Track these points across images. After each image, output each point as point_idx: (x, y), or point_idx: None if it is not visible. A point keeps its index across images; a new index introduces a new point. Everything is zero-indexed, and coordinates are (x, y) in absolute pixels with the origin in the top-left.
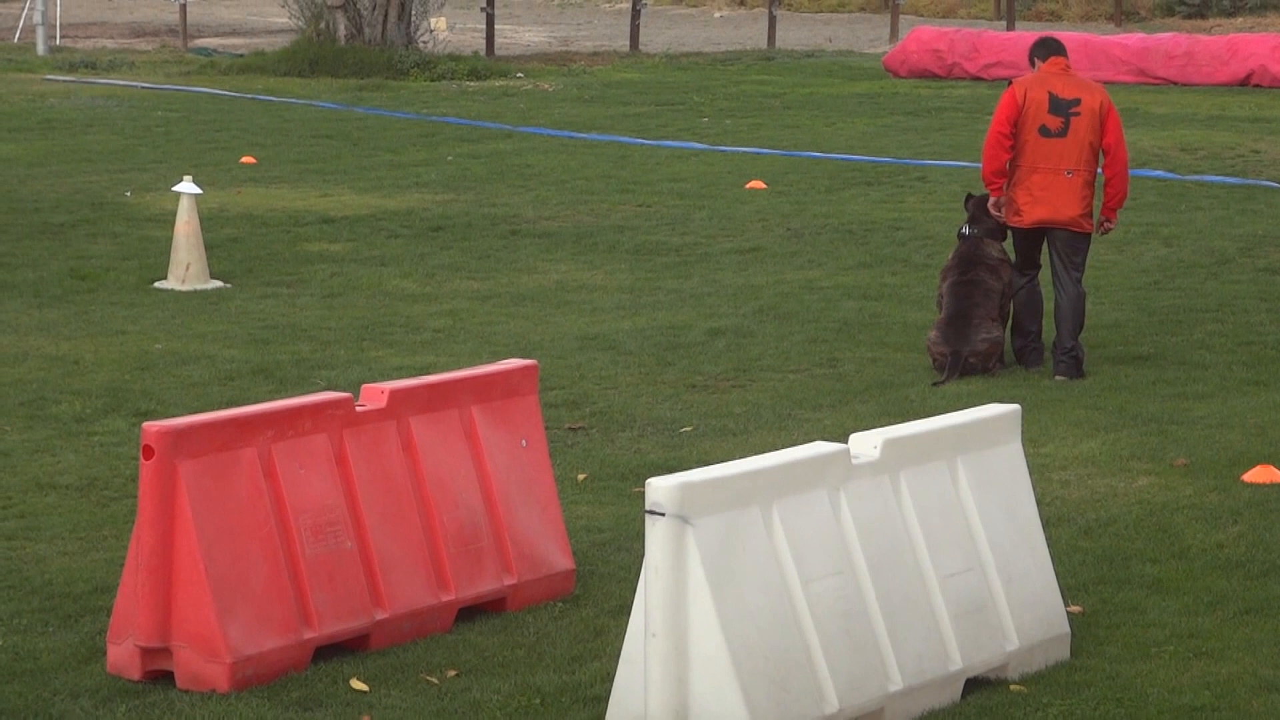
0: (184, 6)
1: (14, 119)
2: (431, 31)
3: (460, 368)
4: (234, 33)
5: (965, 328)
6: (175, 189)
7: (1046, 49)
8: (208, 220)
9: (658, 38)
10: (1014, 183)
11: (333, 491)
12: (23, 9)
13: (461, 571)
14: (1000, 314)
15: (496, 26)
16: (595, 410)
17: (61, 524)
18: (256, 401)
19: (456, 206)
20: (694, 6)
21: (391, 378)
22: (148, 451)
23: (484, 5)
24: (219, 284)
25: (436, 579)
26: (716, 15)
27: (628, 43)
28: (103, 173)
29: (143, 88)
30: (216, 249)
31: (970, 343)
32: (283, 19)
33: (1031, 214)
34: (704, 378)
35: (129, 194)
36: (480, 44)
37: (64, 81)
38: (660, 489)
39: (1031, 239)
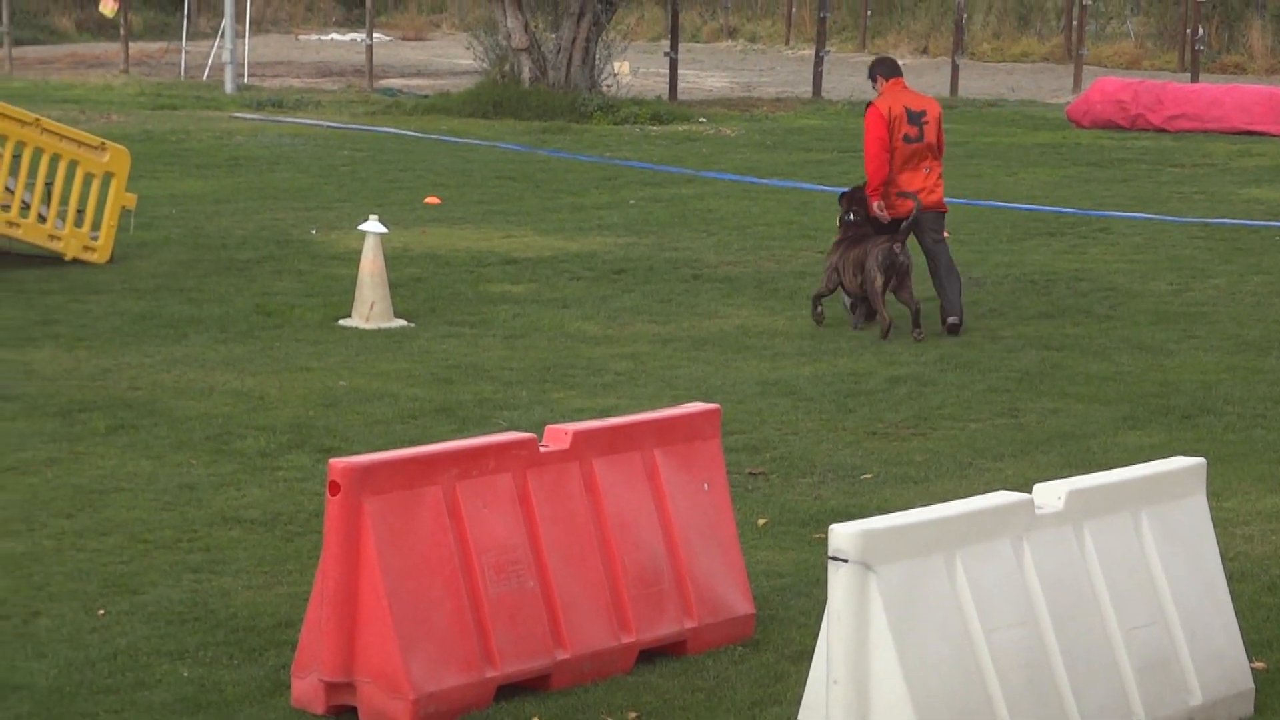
0: (370, 47)
1: (202, 156)
2: (615, 75)
3: (642, 410)
4: (419, 74)
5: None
6: (361, 227)
7: (889, 69)
8: (392, 259)
9: (840, 85)
10: (889, 182)
11: (516, 531)
12: (212, 48)
13: (642, 613)
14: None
15: (679, 71)
16: (776, 455)
17: (246, 558)
18: (439, 440)
19: (638, 250)
20: (876, 54)
21: (573, 419)
22: (334, 487)
23: (667, 50)
24: (403, 323)
25: (617, 620)
26: (900, 63)
27: (810, 89)
28: (288, 210)
29: (329, 127)
30: (400, 288)
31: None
32: (467, 60)
33: (907, 204)
34: (885, 425)
35: (314, 232)
36: (663, 88)
37: (251, 120)
38: (843, 535)
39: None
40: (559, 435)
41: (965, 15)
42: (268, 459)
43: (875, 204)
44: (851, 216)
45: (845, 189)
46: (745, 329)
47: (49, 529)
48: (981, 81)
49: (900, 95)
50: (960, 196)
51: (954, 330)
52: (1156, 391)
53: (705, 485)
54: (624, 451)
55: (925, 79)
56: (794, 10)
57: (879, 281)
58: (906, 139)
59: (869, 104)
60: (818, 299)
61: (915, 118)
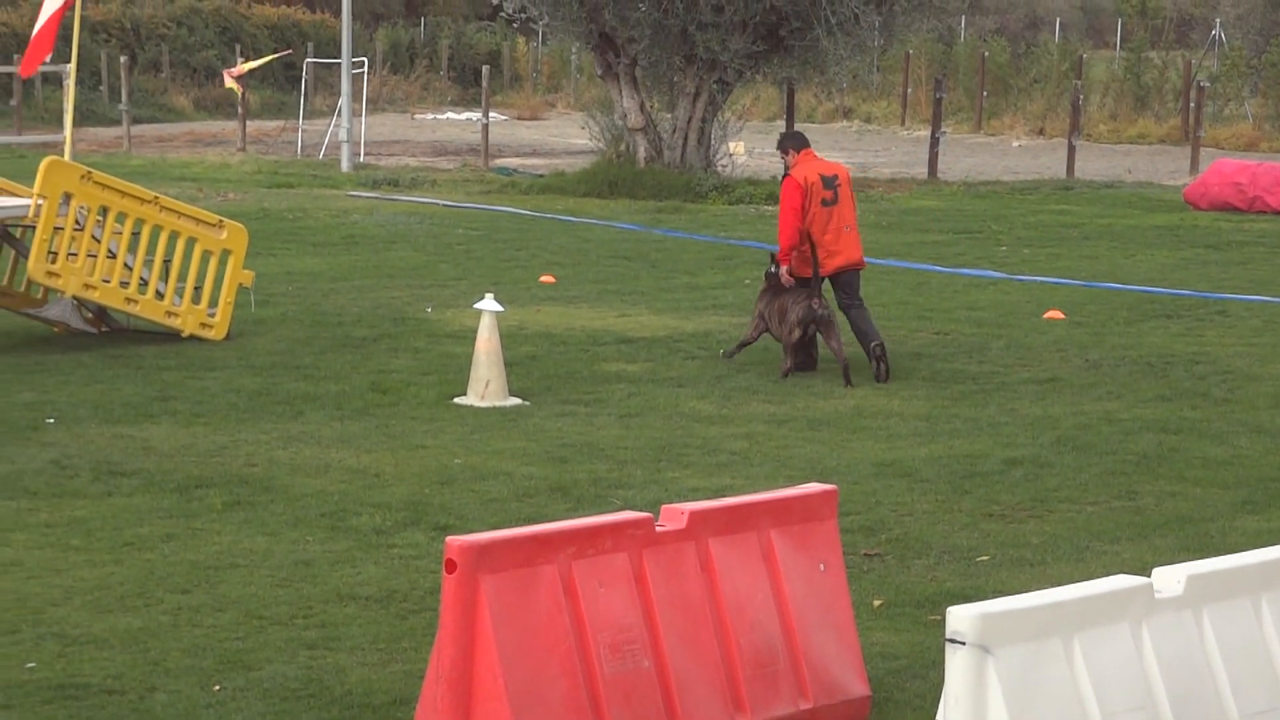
0: (486, 126)
1: (319, 234)
2: (730, 155)
3: (757, 490)
4: (534, 153)
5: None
6: (476, 306)
7: (799, 142)
8: (507, 337)
9: (956, 165)
10: (815, 245)
11: (631, 610)
12: (328, 126)
13: (757, 694)
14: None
15: None
16: (891, 537)
17: (361, 635)
18: (554, 519)
19: None
20: (992, 135)
21: (688, 499)
22: (450, 565)
23: (783, 131)
24: (518, 401)
25: (732, 701)
26: (1015, 144)
27: (926, 170)
28: (404, 288)
29: (444, 205)
30: (516, 366)
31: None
32: (583, 140)
33: (832, 264)
34: (1001, 507)
35: (430, 310)
36: (778, 169)
37: (367, 198)
38: (961, 617)
39: (825, 280)
40: (675, 515)
41: (1082, 96)
42: (383, 536)
43: (784, 268)
44: (773, 269)
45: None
46: (860, 409)
47: (165, 604)
48: (1098, 163)
49: (813, 164)
50: (1077, 278)
51: (881, 353)
52: (1276, 475)
53: (821, 566)
54: (740, 531)
55: (1041, 160)
56: (909, 91)
57: (796, 334)
58: (824, 203)
59: (786, 175)
60: (742, 346)
61: (829, 182)
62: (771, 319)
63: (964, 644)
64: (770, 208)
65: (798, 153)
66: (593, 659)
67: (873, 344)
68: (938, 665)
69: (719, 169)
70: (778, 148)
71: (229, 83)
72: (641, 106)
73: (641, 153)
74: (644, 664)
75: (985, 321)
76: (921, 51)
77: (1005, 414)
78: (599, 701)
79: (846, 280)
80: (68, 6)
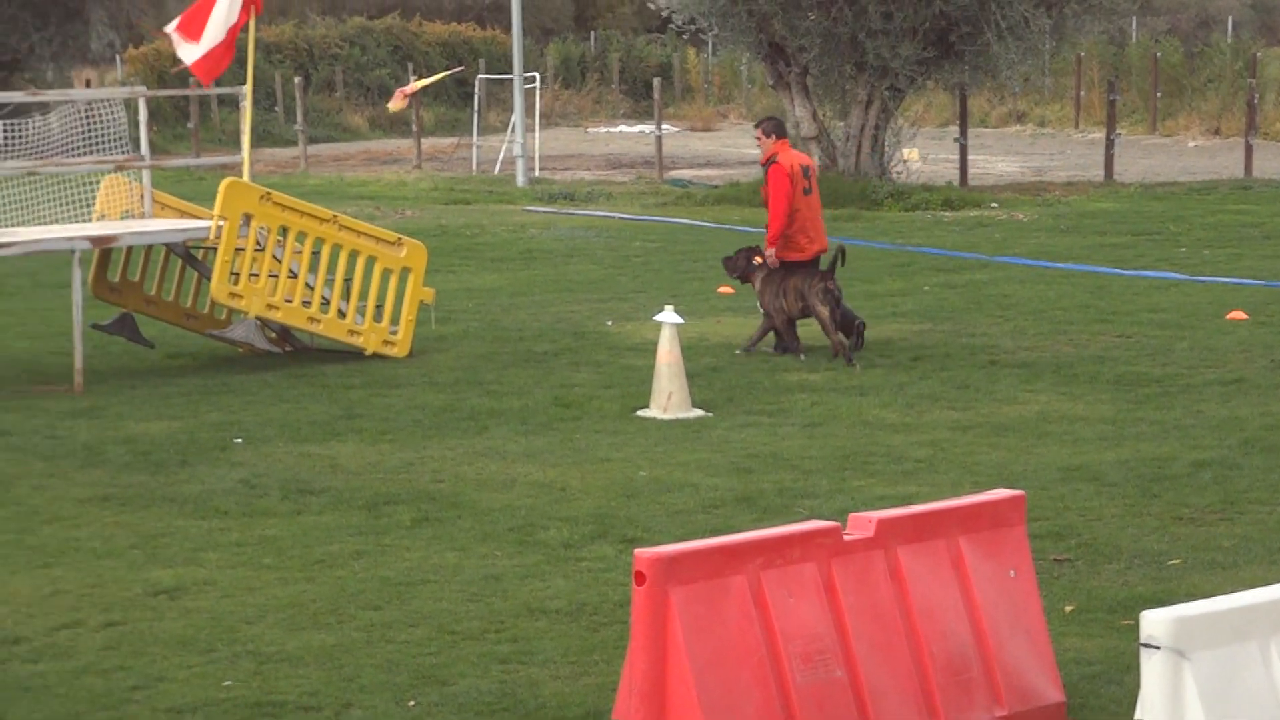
0: (660, 138)
1: (497, 249)
2: (905, 162)
3: (943, 498)
4: (708, 164)
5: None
6: (657, 318)
7: (781, 130)
8: (688, 349)
9: (1132, 167)
10: (795, 230)
11: (822, 620)
12: (503, 142)
13: (951, 702)
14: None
15: (969, 157)
16: (1080, 541)
17: (553, 648)
18: (740, 530)
19: (934, 336)
20: (1167, 136)
21: (874, 507)
22: (639, 578)
23: (957, 136)
24: (701, 412)
25: (926, 709)
26: (1191, 144)
27: (1102, 172)
28: (584, 302)
29: (620, 218)
30: (697, 378)
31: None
32: (756, 150)
33: (812, 249)
34: (1190, 510)
35: (610, 323)
36: (953, 174)
37: (543, 213)
38: (1156, 622)
39: (806, 264)
40: (863, 523)
41: (1258, 95)
42: (571, 550)
43: (770, 250)
44: (757, 261)
45: (737, 253)
46: (1045, 414)
47: (358, 621)
48: (1276, 162)
49: (791, 154)
50: (1259, 278)
51: (863, 330)
52: None
53: (1011, 572)
54: (928, 539)
55: (1218, 160)
56: (1083, 94)
57: (827, 313)
58: (805, 191)
59: (773, 162)
60: (762, 336)
61: (805, 173)
62: (787, 298)
63: (1159, 648)
64: (947, 213)
65: (776, 140)
66: (784, 669)
67: (857, 321)
68: (1132, 670)
69: (893, 176)
70: (760, 128)
71: (394, 104)
72: (814, 115)
73: (816, 161)
74: (836, 673)
75: (1168, 324)
76: (1093, 54)
77: (1191, 416)
78: (792, 711)
79: (816, 263)
80: (243, 23)
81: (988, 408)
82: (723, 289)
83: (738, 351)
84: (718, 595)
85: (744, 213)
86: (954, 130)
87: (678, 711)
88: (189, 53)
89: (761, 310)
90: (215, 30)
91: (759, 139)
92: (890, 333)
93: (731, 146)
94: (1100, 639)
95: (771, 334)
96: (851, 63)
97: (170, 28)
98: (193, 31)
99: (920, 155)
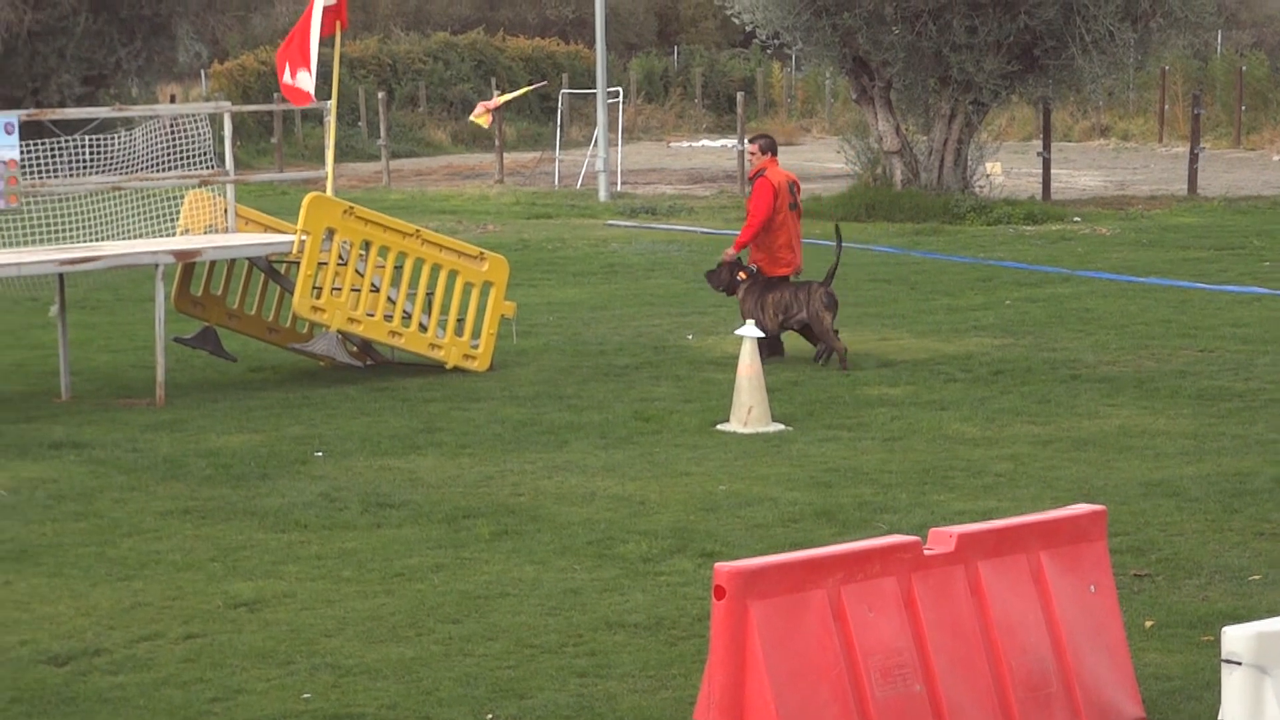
0: (742, 153)
1: (578, 263)
2: (987, 176)
3: (1023, 513)
4: None
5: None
6: (738, 332)
7: (772, 148)
8: (768, 363)
9: (1215, 181)
10: (780, 245)
11: (901, 635)
12: (585, 156)
13: (1030, 717)
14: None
15: (1052, 171)
16: (1161, 557)
17: (631, 662)
18: (819, 544)
19: (1015, 350)
20: (1251, 150)
21: (954, 522)
22: (719, 592)
23: (1039, 150)
24: (781, 426)
25: None
26: (1276, 158)
27: (1185, 186)
28: (664, 316)
29: (702, 233)
30: (777, 392)
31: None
32: (839, 164)
33: (794, 263)
34: (1272, 525)
35: (690, 337)
36: (1036, 188)
37: (625, 227)
38: (1237, 638)
39: (784, 280)
40: (943, 538)
41: None
42: (650, 564)
43: (735, 252)
44: (742, 277)
45: (719, 266)
46: (1126, 429)
47: (437, 634)
48: None
49: (779, 171)
50: None
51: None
52: None
53: (1091, 587)
54: (1009, 554)
55: None
56: (1166, 108)
57: (828, 319)
58: (791, 206)
59: (760, 175)
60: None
61: (791, 189)
62: (766, 312)
63: (1240, 664)
64: (1029, 227)
65: (771, 157)
66: (864, 683)
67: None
68: (1212, 686)
69: (976, 190)
70: (754, 144)
71: (475, 117)
72: (897, 129)
73: (898, 175)
74: (915, 688)
75: (1251, 338)
76: (1177, 68)
77: (1274, 431)
78: None
79: (786, 280)
80: (326, 35)
81: (1068, 422)
82: None
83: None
84: (797, 609)
85: (825, 227)
86: (1037, 144)
87: None
88: (305, 80)
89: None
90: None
91: (752, 155)
92: (971, 347)
93: (814, 161)
94: (1180, 654)
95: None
96: (935, 77)
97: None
98: (301, 59)
99: (1003, 169)
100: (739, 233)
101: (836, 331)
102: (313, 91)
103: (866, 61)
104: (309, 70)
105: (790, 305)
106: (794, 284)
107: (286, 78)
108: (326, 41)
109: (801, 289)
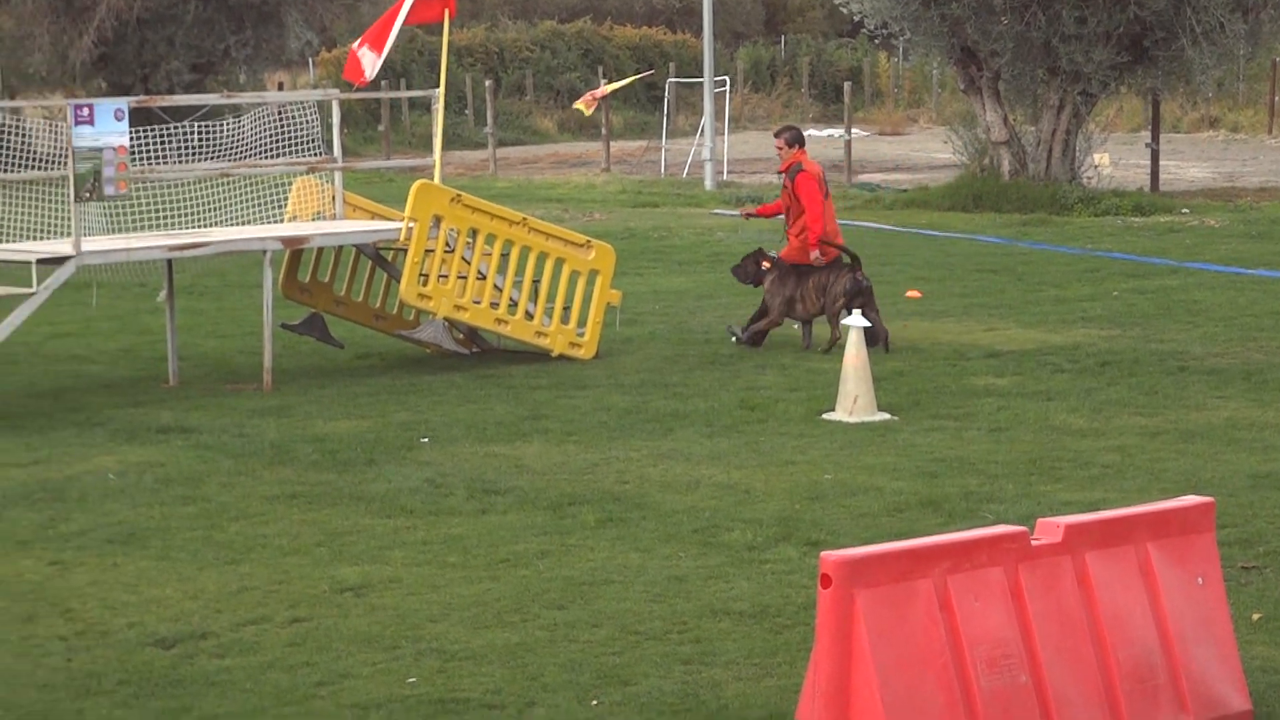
0: (849, 142)
1: (684, 252)
2: (1095, 167)
3: (1130, 504)
4: (897, 168)
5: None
6: (844, 321)
7: (799, 139)
8: (875, 353)
9: None
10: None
11: (1008, 625)
12: (691, 145)
13: (1137, 709)
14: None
15: (1161, 162)
16: (1269, 549)
17: (736, 650)
18: (925, 533)
19: (1123, 342)
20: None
21: (1060, 513)
22: (825, 580)
23: (1148, 141)
24: (886, 416)
25: (1111, 716)
26: None
27: None
28: None
29: None
30: (883, 381)
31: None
32: (946, 155)
33: (830, 253)
34: None
35: (796, 326)
36: (1144, 180)
37: (731, 216)
38: None
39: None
40: (1051, 529)
41: None
42: (755, 552)
43: (814, 252)
44: (765, 266)
45: (744, 260)
46: (1234, 421)
47: (542, 620)
48: None
49: (812, 163)
50: None
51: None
52: None
53: (1199, 579)
54: (1117, 545)
55: None
56: (1277, 99)
57: (840, 303)
58: (827, 194)
59: (799, 169)
60: (765, 332)
61: (824, 179)
62: (807, 299)
63: None
64: (1137, 219)
65: (799, 149)
66: (969, 674)
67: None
68: None
69: (1084, 181)
70: (782, 138)
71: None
72: (1005, 120)
73: (1005, 166)
74: (1021, 679)
75: None
76: None
77: None
78: (976, 716)
79: (838, 262)
80: (431, 21)
81: (1176, 414)
82: (911, 293)
83: (731, 339)
84: (904, 599)
85: (932, 217)
86: (1145, 135)
87: (861, 714)
88: (370, 61)
89: (767, 309)
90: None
91: (779, 149)
92: (1078, 338)
93: (921, 151)
94: None
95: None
96: (1044, 67)
97: (357, 45)
98: (377, 41)
99: (1111, 160)
100: (809, 233)
101: (879, 317)
102: (370, 75)
103: (975, 51)
104: (378, 54)
105: (828, 286)
106: (829, 267)
107: (357, 47)
108: (434, 29)
109: (834, 270)
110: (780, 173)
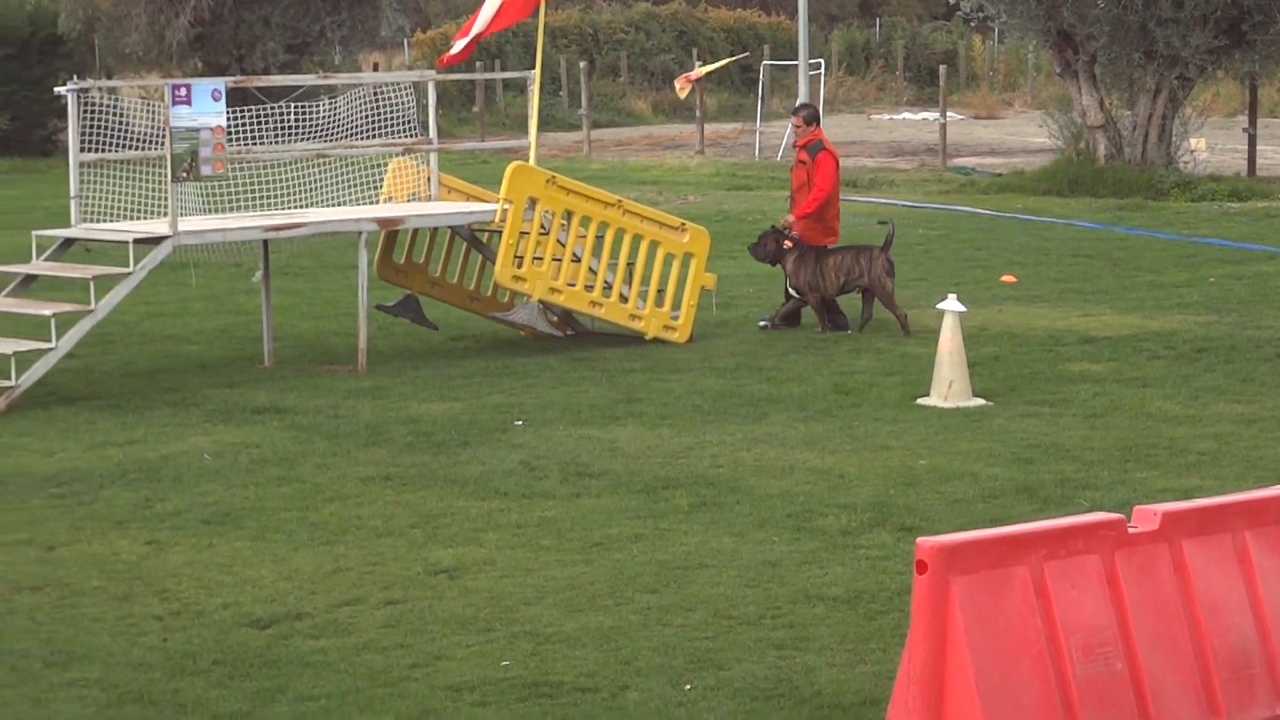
0: (944, 126)
1: None
2: (1192, 152)
3: (1228, 492)
4: (992, 152)
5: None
6: (939, 306)
7: (816, 118)
8: (969, 338)
9: None
10: (832, 215)
11: (1104, 612)
12: (786, 128)
13: (1233, 697)
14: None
15: (1258, 147)
16: None
17: (829, 635)
18: (1019, 520)
19: (1220, 328)
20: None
21: (1156, 500)
22: (920, 566)
23: (1245, 126)
24: (981, 401)
25: (1207, 704)
26: None
27: None
28: None
29: (903, 205)
30: (978, 366)
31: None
32: (1041, 139)
33: (839, 232)
34: None
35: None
36: (1241, 165)
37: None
38: None
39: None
40: (1147, 516)
41: None
42: (849, 537)
43: (795, 219)
44: (788, 245)
45: (762, 238)
46: None
47: (635, 604)
48: None
49: (830, 143)
50: None
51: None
52: None
53: None
54: (1214, 533)
55: None
56: None
57: (890, 285)
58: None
59: (821, 147)
60: (797, 312)
61: (839, 165)
62: (827, 278)
63: None
64: (1234, 204)
65: (815, 127)
66: (1065, 661)
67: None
68: None
69: (1180, 166)
70: (800, 115)
71: (678, 88)
72: (1101, 104)
73: (1101, 150)
74: (1117, 666)
75: None
76: None
77: None
78: (1071, 704)
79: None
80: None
81: (1273, 401)
82: (1006, 278)
83: (761, 324)
84: (999, 585)
85: (1027, 201)
86: (1242, 120)
87: (956, 701)
88: (458, 44)
89: (794, 291)
90: (480, 23)
91: (797, 126)
92: (1175, 324)
93: (1016, 134)
94: None
95: (798, 316)
96: (1140, 51)
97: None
98: (468, 26)
99: (1208, 145)
100: (804, 204)
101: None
102: (449, 55)
103: (1071, 35)
104: (465, 37)
105: (852, 269)
106: (853, 248)
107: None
108: (530, 12)
109: (862, 253)
110: (796, 146)
